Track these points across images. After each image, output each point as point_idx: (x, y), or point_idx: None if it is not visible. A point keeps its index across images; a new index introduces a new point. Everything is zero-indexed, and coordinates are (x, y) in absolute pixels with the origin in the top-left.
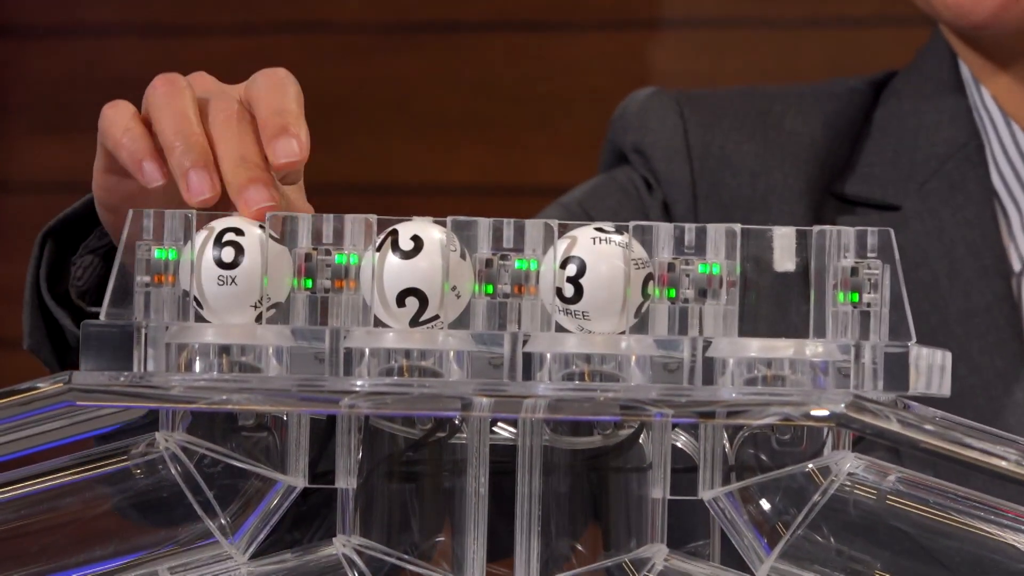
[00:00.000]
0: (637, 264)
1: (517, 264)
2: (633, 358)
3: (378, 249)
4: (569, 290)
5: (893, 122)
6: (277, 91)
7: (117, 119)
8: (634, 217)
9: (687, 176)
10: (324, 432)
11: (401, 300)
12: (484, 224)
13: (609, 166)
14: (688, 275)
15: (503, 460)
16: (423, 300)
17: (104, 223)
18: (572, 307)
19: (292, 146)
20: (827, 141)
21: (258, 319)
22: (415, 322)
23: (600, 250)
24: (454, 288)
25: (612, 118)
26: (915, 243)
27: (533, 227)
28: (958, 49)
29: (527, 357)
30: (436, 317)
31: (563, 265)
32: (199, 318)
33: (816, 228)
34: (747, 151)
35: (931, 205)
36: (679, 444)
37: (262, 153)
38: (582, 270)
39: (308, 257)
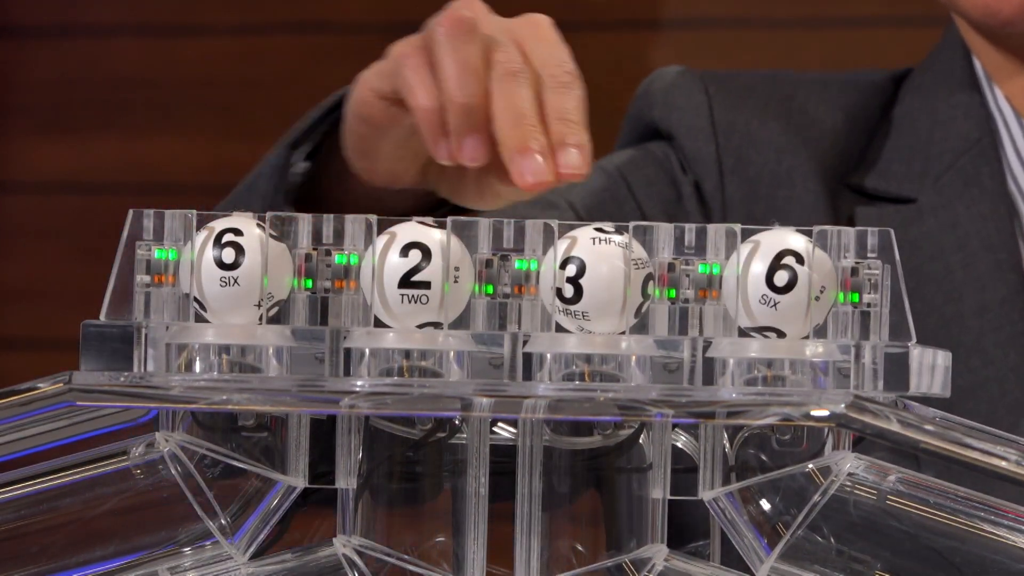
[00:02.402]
0: (637, 264)
1: (517, 264)
2: (633, 358)
3: (378, 250)
4: (569, 290)
5: (908, 119)
6: (562, 92)
7: (419, 71)
8: (668, 190)
9: (713, 152)
10: (325, 432)
11: (405, 251)
12: (484, 224)
13: (629, 140)
14: (688, 275)
15: (503, 460)
16: (426, 254)
17: (351, 132)
18: (572, 307)
19: (574, 158)
20: (846, 132)
21: (261, 318)
22: (407, 280)
23: (600, 250)
24: (456, 268)
25: (636, 93)
26: (929, 236)
27: (533, 227)
28: (977, 48)
29: (527, 357)
30: (428, 285)
31: (563, 265)
32: (199, 318)
33: (816, 228)
34: (772, 128)
35: (946, 199)
36: (679, 444)
37: (540, 115)
38: (582, 270)
39: (308, 257)
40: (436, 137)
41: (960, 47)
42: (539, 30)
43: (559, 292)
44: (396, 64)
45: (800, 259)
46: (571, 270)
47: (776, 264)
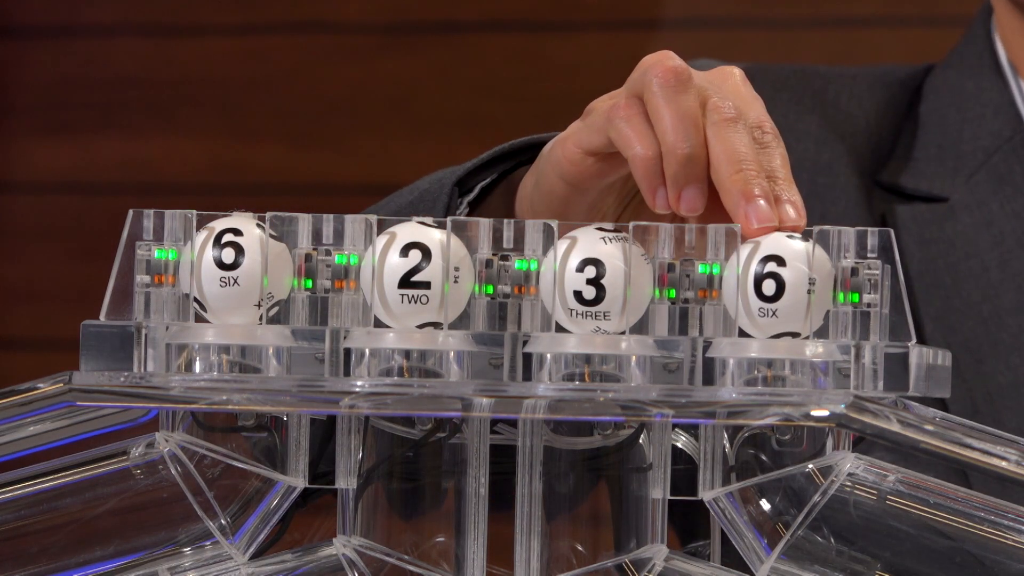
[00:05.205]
0: (647, 260)
1: (517, 264)
2: (633, 358)
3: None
4: (590, 292)
5: (937, 116)
6: (766, 152)
7: (635, 121)
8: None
9: None
10: (324, 433)
11: (405, 251)
12: (484, 224)
13: None
14: (688, 275)
15: (503, 460)
16: (426, 254)
17: (550, 193)
18: (593, 309)
19: (791, 212)
20: (878, 129)
21: (261, 318)
22: (407, 280)
23: (613, 250)
24: (456, 268)
25: None
26: (964, 234)
27: (533, 227)
28: (1012, 42)
29: (527, 357)
30: (428, 286)
31: (579, 268)
32: (199, 318)
33: (817, 228)
34: (810, 122)
35: (979, 197)
36: (679, 444)
37: (760, 161)
38: (603, 272)
39: (308, 257)
40: (655, 187)
41: (986, 44)
42: (735, 84)
43: (578, 295)
44: (607, 118)
45: (781, 262)
46: (591, 272)
47: (761, 274)
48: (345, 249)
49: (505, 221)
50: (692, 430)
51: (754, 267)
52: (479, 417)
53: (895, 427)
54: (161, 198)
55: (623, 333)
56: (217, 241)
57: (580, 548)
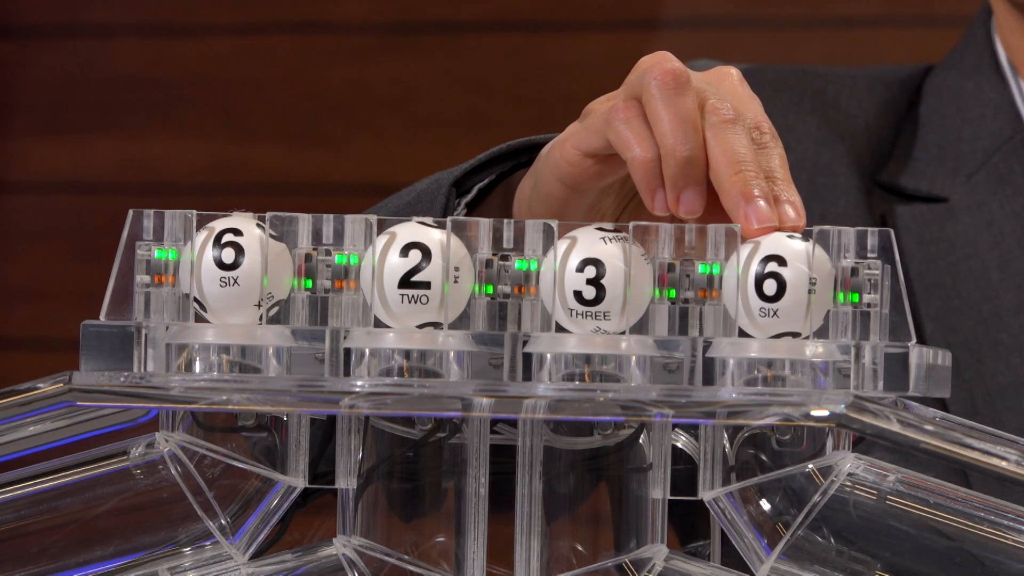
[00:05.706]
0: (647, 260)
1: (517, 264)
2: (633, 358)
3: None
4: (590, 292)
5: (936, 116)
6: (764, 152)
7: (634, 123)
8: None
9: None
10: (324, 433)
11: (405, 251)
12: (484, 224)
13: None
14: (688, 275)
15: (502, 460)
16: (426, 254)
17: (550, 196)
18: (593, 309)
19: (791, 212)
20: (878, 129)
21: (261, 318)
22: (407, 280)
23: (614, 250)
24: (456, 268)
25: None
26: (964, 234)
27: (533, 227)
28: (1012, 43)
29: (527, 357)
30: (428, 286)
31: (579, 268)
32: (199, 318)
33: (817, 228)
34: (810, 123)
35: (979, 197)
36: (679, 444)
37: (759, 162)
38: (603, 272)
39: (308, 257)
40: (654, 189)
41: (985, 44)
42: (733, 85)
43: (578, 295)
44: (605, 120)
45: (782, 262)
46: (591, 272)
47: (762, 274)
48: (345, 249)
49: (505, 221)
50: (692, 430)
51: (755, 267)
52: (479, 417)
53: (895, 427)
54: (161, 198)
55: (623, 333)
56: (217, 241)
57: (580, 548)
